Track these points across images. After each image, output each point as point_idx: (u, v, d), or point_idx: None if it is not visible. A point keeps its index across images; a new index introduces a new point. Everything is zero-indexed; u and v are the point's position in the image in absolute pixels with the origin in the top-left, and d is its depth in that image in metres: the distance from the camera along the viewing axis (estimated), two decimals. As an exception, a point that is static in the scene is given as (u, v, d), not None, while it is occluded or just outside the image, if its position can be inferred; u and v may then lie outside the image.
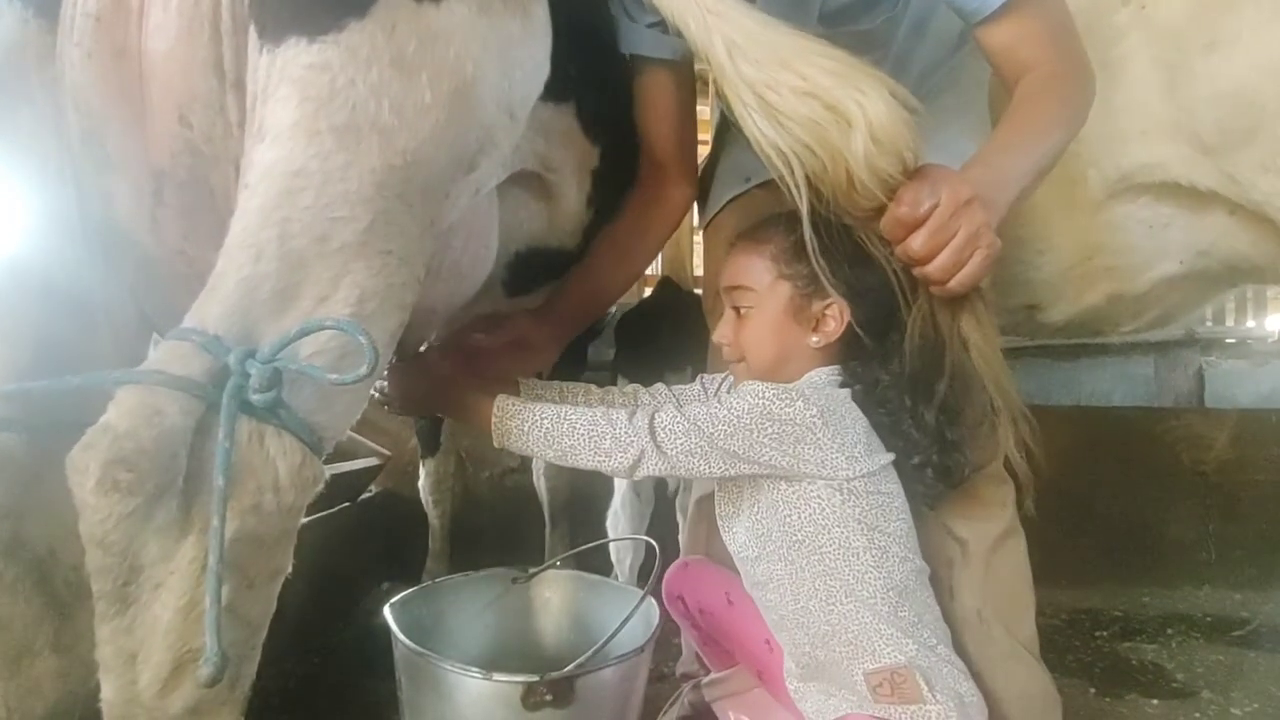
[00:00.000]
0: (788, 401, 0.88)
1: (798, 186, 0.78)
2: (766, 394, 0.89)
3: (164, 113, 0.76)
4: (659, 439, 0.88)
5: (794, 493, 0.90)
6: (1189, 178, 1.43)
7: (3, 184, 0.84)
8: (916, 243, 0.80)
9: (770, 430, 0.87)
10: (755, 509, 0.94)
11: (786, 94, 0.73)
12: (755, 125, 0.75)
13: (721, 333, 1.00)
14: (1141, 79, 1.44)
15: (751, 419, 0.87)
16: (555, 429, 0.88)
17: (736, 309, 0.98)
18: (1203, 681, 1.69)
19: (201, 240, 0.78)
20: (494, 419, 0.91)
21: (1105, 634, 1.94)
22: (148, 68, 0.76)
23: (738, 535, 0.98)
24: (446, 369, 1.07)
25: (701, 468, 0.88)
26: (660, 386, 1.13)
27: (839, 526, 0.88)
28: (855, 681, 0.87)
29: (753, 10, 0.74)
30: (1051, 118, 0.94)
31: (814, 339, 0.94)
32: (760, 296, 0.95)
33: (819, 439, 0.88)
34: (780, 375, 0.96)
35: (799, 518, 0.90)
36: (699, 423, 0.88)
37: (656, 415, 0.89)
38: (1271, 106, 1.30)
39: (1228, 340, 2.94)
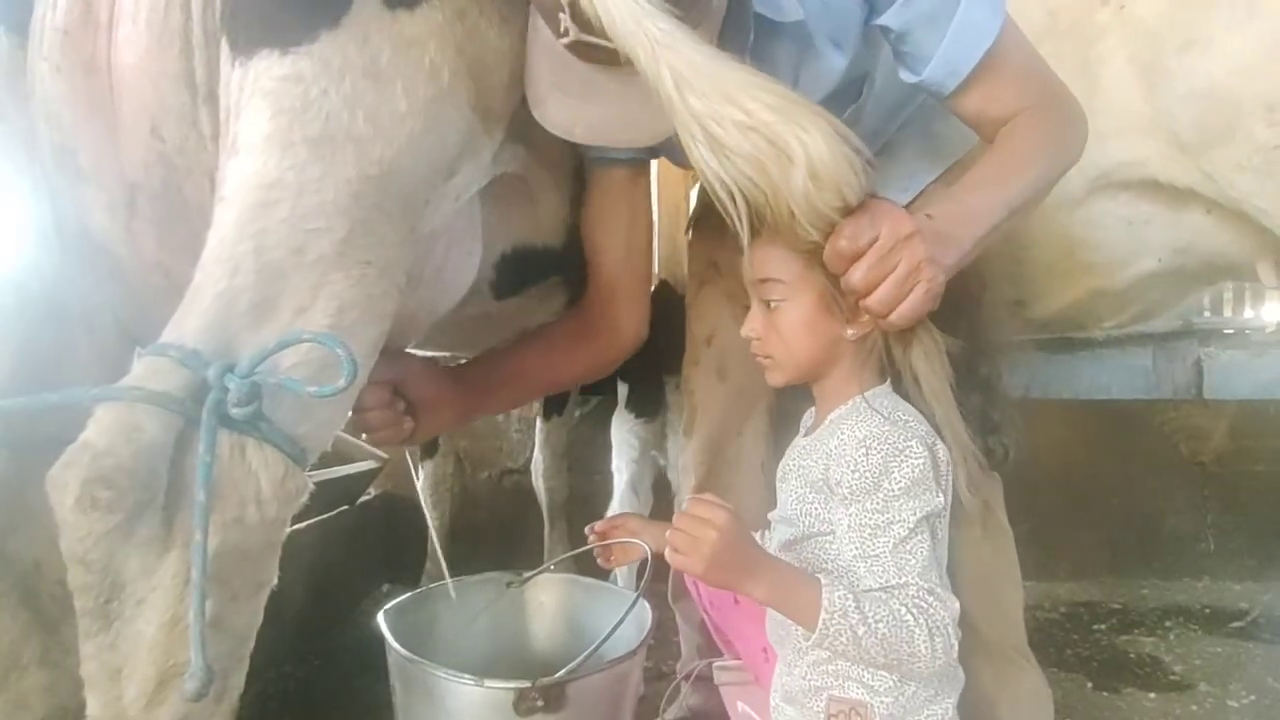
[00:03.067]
0: (906, 435, 0.85)
1: (740, 219, 0.78)
2: (906, 463, 0.83)
3: (136, 125, 0.76)
4: (945, 600, 0.82)
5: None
6: (1167, 175, 1.44)
7: None
8: (856, 275, 0.81)
9: (926, 490, 0.85)
10: (808, 542, 0.92)
11: (730, 128, 0.73)
12: (701, 156, 0.75)
13: (751, 325, 0.95)
14: (1120, 78, 1.45)
15: (918, 490, 0.84)
16: (893, 635, 0.78)
17: (766, 302, 0.93)
18: (1200, 674, 1.69)
19: (178, 251, 0.78)
20: (823, 620, 0.78)
21: (1103, 627, 1.94)
22: (118, 81, 0.75)
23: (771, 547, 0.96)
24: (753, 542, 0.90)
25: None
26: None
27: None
28: (818, 708, 0.86)
29: (701, 44, 0.74)
30: (1029, 154, 0.94)
31: (850, 331, 0.89)
32: (791, 288, 0.90)
33: (940, 452, 0.87)
34: (812, 373, 0.93)
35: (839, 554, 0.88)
36: (903, 543, 0.82)
37: (931, 591, 0.82)
38: (1247, 105, 1.31)
39: (1226, 331, 2.92)
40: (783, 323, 0.92)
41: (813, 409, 1.02)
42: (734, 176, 0.75)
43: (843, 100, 1.08)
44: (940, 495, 0.86)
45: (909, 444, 0.85)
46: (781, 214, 0.78)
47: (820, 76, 1.02)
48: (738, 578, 0.80)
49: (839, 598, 0.78)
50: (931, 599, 0.81)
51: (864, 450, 0.85)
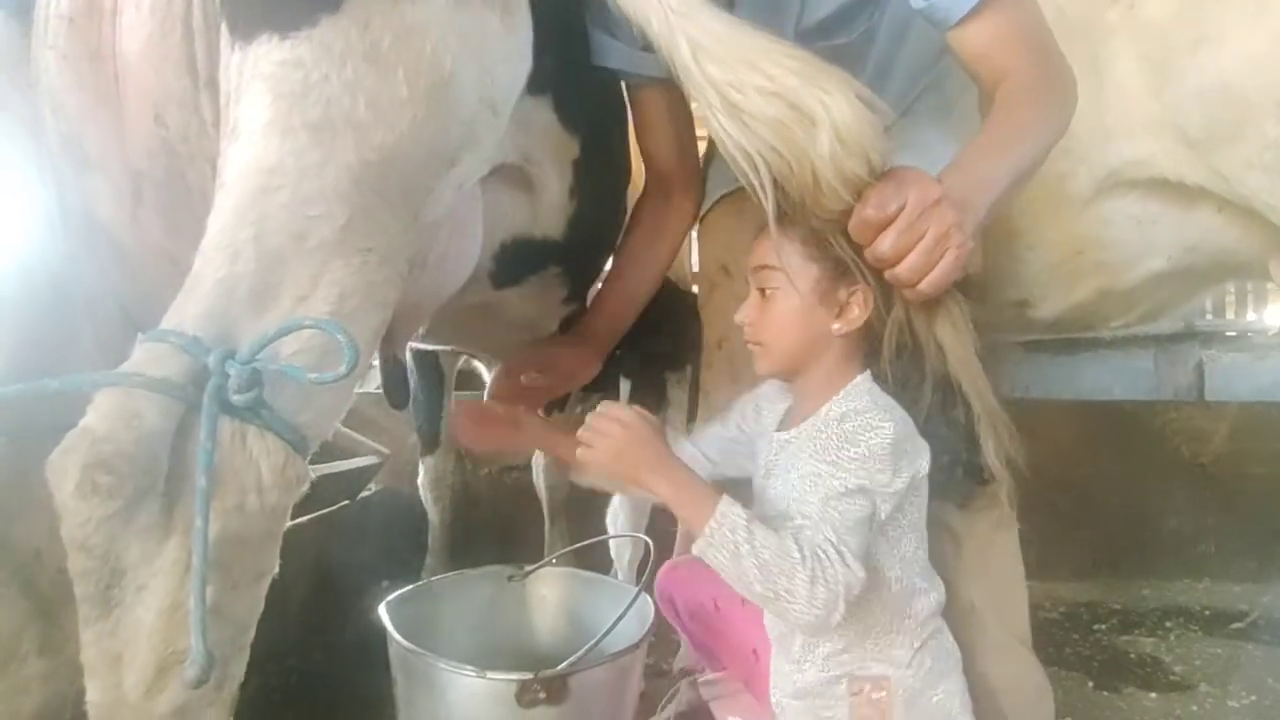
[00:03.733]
0: (884, 416, 0.85)
1: (763, 188, 0.77)
2: (874, 436, 0.84)
3: (140, 113, 0.76)
4: (854, 567, 0.79)
5: None
6: (1177, 173, 1.44)
7: None
8: (885, 244, 0.79)
9: (881, 467, 0.84)
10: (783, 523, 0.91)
11: (751, 94, 0.72)
12: (721, 126, 0.74)
13: (745, 312, 0.97)
14: (1129, 76, 1.45)
15: (873, 462, 0.83)
16: (777, 565, 0.77)
17: (762, 290, 0.95)
18: (1200, 675, 1.69)
19: (183, 238, 0.77)
20: (710, 526, 0.79)
21: (1104, 627, 1.94)
22: (122, 68, 0.75)
23: None
24: (662, 434, 0.92)
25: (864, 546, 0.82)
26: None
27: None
28: (839, 692, 0.86)
29: (718, 11, 0.74)
30: (1029, 123, 0.93)
31: (837, 325, 0.91)
32: (787, 279, 0.92)
33: (916, 446, 0.87)
34: (799, 362, 0.94)
35: None
36: (845, 517, 0.82)
37: (843, 550, 0.80)
38: (1258, 102, 1.30)
39: (1228, 333, 2.92)
40: (775, 311, 0.93)
41: (772, 401, 1.03)
42: (756, 145, 0.74)
43: (856, 18, 1.07)
44: (897, 480, 0.85)
45: (883, 424, 0.85)
46: (806, 181, 0.77)
47: None
48: (641, 473, 0.82)
49: (734, 513, 0.79)
50: (834, 554, 0.78)
51: (839, 421, 0.87)
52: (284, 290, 0.71)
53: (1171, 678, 1.68)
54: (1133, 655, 1.79)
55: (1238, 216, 1.44)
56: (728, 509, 0.79)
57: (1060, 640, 1.85)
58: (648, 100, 1.19)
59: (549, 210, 1.14)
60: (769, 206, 0.79)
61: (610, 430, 0.84)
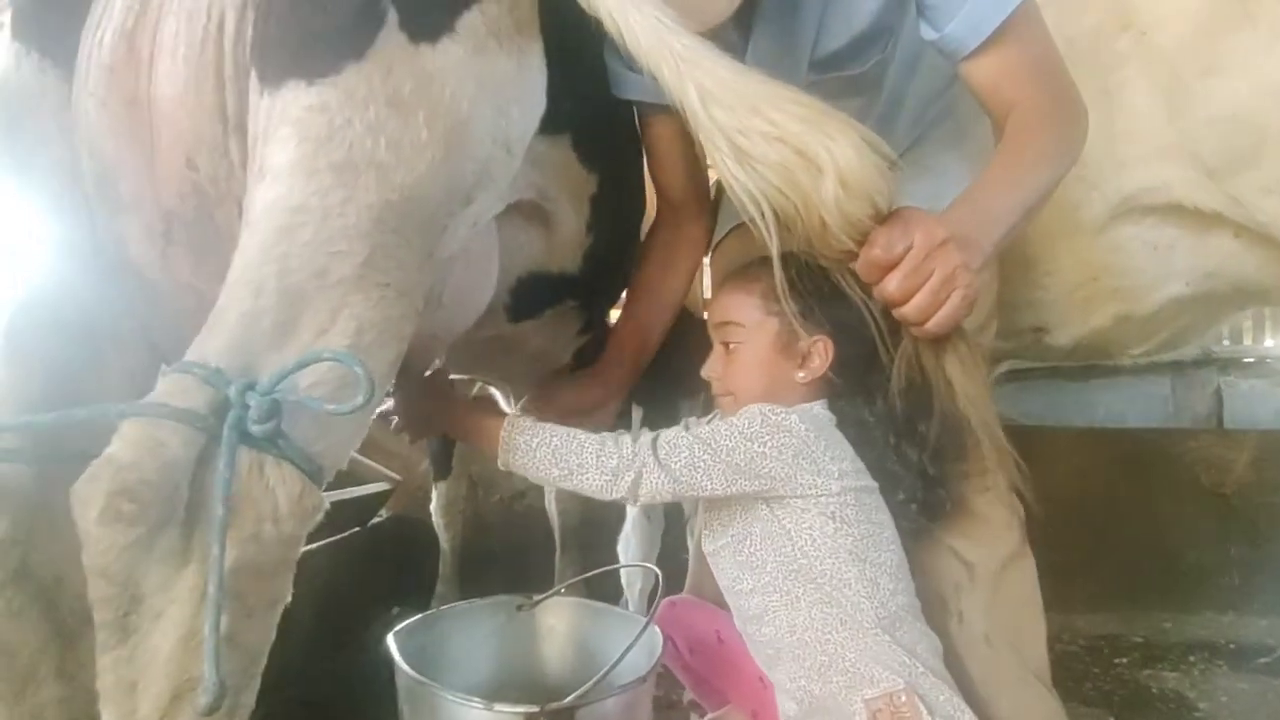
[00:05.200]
0: (784, 414, 0.92)
1: (769, 230, 0.79)
2: (764, 409, 0.92)
3: (172, 156, 0.79)
4: (662, 455, 0.90)
5: (787, 518, 0.90)
6: (1193, 200, 1.44)
7: (20, 223, 0.87)
8: (892, 284, 0.82)
9: (770, 441, 0.89)
10: (748, 540, 0.94)
11: (757, 139, 0.75)
12: (729, 170, 0.77)
13: (710, 368, 1.03)
14: (1142, 104, 1.45)
15: (753, 430, 0.90)
16: (564, 446, 0.90)
17: (725, 344, 1.01)
18: (1227, 711, 1.64)
19: (209, 275, 0.80)
20: (503, 437, 0.92)
21: (1125, 661, 1.89)
22: (157, 114, 0.79)
23: (728, 569, 0.98)
24: (450, 389, 1.10)
25: (704, 483, 0.89)
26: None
27: (831, 557, 0.89)
28: (855, 711, 0.86)
29: (725, 57, 0.76)
30: (1039, 155, 0.95)
31: (800, 374, 0.96)
32: (749, 332, 0.98)
33: (814, 451, 0.90)
34: None
35: (793, 546, 0.90)
36: (702, 438, 0.91)
37: (660, 434, 0.92)
38: (1273, 129, 1.31)
39: (1246, 359, 2.89)
40: (740, 363, 0.99)
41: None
42: (762, 188, 0.77)
43: (869, 49, 1.09)
44: (766, 464, 0.89)
45: (788, 418, 0.90)
46: (813, 224, 0.79)
47: (851, 12, 1.03)
48: (444, 427, 1.01)
49: (520, 419, 0.92)
50: (642, 451, 0.89)
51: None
52: (304, 324, 0.73)
53: (1196, 715, 1.64)
54: (1155, 691, 1.74)
55: (1256, 242, 1.44)
56: (515, 418, 0.91)
57: (1080, 674, 1.81)
58: (661, 130, 1.20)
59: (565, 245, 1.16)
60: (774, 248, 0.81)
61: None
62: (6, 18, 0.87)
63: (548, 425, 0.92)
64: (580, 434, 0.90)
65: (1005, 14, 0.94)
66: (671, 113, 1.14)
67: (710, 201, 1.32)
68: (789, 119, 0.74)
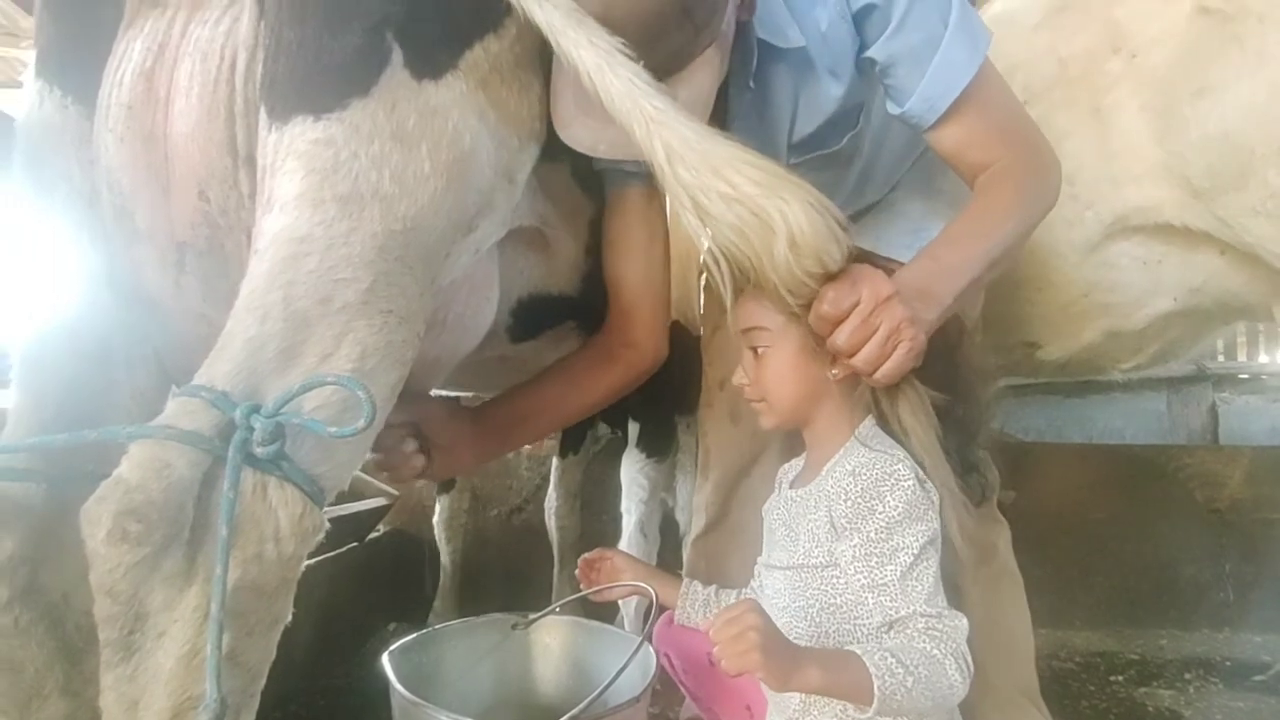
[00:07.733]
0: (899, 471, 0.88)
1: (724, 282, 0.84)
2: (897, 488, 0.86)
3: (185, 189, 0.82)
4: (938, 609, 0.84)
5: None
6: (1182, 220, 1.47)
7: (39, 251, 0.90)
8: (840, 337, 0.85)
9: (924, 515, 0.87)
10: (802, 594, 0.94)
11: (715, 199, 0.79)
12: (690, 223, 0.81)
13: (741, 375, 1.01)
14: (1132, 125, 1.48)
15: (916, 514, 0.86)
16: (932, 674, 0.80)
17: (754, 349, 0.99)
18: (1222, 729, 1.65)
19: (219, 303, 0.82)
20: (877, 683, 0.78)
21: (1121, 678, 1.89)
22: (172, 149, 0.82)
23: (779, 597, 0.97)
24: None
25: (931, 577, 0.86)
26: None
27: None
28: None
29: (692, 119, 0.81)
30: (1005, 210, 0.99)
31: (834, 370, 0.94)
32: (775, 335, 0.96)
33: (930, 498, 0.89)
34: (803, 412, 0.97)
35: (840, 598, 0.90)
36: (901, 563, 0.85)
37: (938, 616, 0.84)
38: (1260, 151, 1.33)
39: (1241, 376, 2.91)
40: (769, 367, 0.97)
41: (794, 462, 1.05)
42: (720, 243, 0.81)
43: (841, 127, 1.14)
44: (936, 520, 0.88)
45: (896, 468, 0.88)
46: (766, 280, 0.84)
47: (819, 102, 1.08)
48: (791, 665, 0.78)
49: (882, 660, 0.78)
50: (942, 624, 0.83)
51: (852, 479, 0.89)
52: (309, 349, 0.75)
53: (1191, 733, 1.64)
54: (1151, 708, 1.74)
55: (1242, 261, 1.47)
56: (878, 662, 0.78)
57: (1076, 692, 1.81)
58: (627, 204, 1.12)
59: (565, 268, 1.19)
60: (728, 299, 0.87)
61: (744, 631, 0.77)
62: (31, 56, 0.90)
63: (902, 654, 0.80)
64: (933, 651, 0.81)
65: (961, 86, 0.98)
66: (641, 183, 1.12)
67: (664, 310, 1.19)
68: (746, 181, 0.78)
